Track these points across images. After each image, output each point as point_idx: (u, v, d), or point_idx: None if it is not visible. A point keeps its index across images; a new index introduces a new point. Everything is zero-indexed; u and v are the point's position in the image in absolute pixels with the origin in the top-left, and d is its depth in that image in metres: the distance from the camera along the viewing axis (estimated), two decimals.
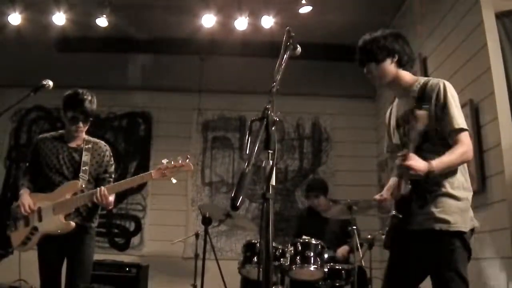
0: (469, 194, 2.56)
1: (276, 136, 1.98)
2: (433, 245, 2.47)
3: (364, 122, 6.98)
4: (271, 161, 1.92)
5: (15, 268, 4.44)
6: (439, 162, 2.42)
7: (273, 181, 1.92)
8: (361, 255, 4.51)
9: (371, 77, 2.75)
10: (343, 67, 6.94)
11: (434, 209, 2.47)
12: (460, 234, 2.45)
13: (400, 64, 2.70)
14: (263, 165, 1.93)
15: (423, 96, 2.57)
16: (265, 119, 1.97)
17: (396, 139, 2.79)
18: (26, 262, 4.15)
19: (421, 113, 2.42)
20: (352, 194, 5.52)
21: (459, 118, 2.51)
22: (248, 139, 1.96)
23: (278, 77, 2.17)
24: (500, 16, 3.96)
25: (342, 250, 5.01)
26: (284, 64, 2.25)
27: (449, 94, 2.53)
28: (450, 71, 4.38)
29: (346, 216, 4.62)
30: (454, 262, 2.42)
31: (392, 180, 2.87)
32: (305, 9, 5.63)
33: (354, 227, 4.47)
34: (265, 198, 1.88)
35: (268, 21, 5.86)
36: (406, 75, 2.72)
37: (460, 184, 2.53)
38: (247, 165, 1.83)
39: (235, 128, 6.99)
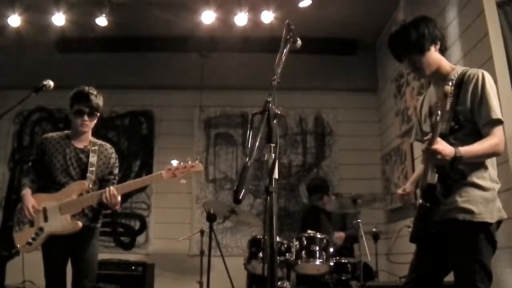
0: (496, 185, 2.48)
1: (279, 130, 1.96)
2: (456, 236, 2.39)
3: (366, 115, 6.96)
4: (273, 155, 1.90)
5: (19, 269, 4.41)
6: (468, 150, 2.33)
7: (276, 175, 1.89)
8: (366, 249, 4.49)
9: (414, 69, 2.63)
10: (344, 61, 6.97)
11: (458, 199, 2.40)
12: (484, 226, 2.37)
13: (441, 51, 2.62)
14: (265, 159, 1.91)
15: (461, 85, 2.49)
16: (267, 112, 1.94)
17: (427, 127, 2.70)
18: (29, 264, 4.12)
19: (448, 88, 2.25)
20: (356, 188, 5.53)
21: (496, 109, 2.42)
22: (249, 132, 1.91)
23: (279, 70, 2.14)
24: (501, 5, 3.91)
25: (339, 234, 5.08)
26: (284, 57, 2.21)
27: (487, 84, 2.45)
28: (452, 61, 4.32)
29: (351, 209, 4.62)
30: (478, 253, 2.33)
31: (418, 172, 2.79)
32: (305, 3, 5.60)
33: (359, 220, 4.47)
34: (268, 192, 1.86)
35: (268, 16, 5.83)
36: (446, 63, 2.64)
37: (487, 175, 2.45)
38: (249, 158, 1.80)
39: (237, 124, 6.98)
